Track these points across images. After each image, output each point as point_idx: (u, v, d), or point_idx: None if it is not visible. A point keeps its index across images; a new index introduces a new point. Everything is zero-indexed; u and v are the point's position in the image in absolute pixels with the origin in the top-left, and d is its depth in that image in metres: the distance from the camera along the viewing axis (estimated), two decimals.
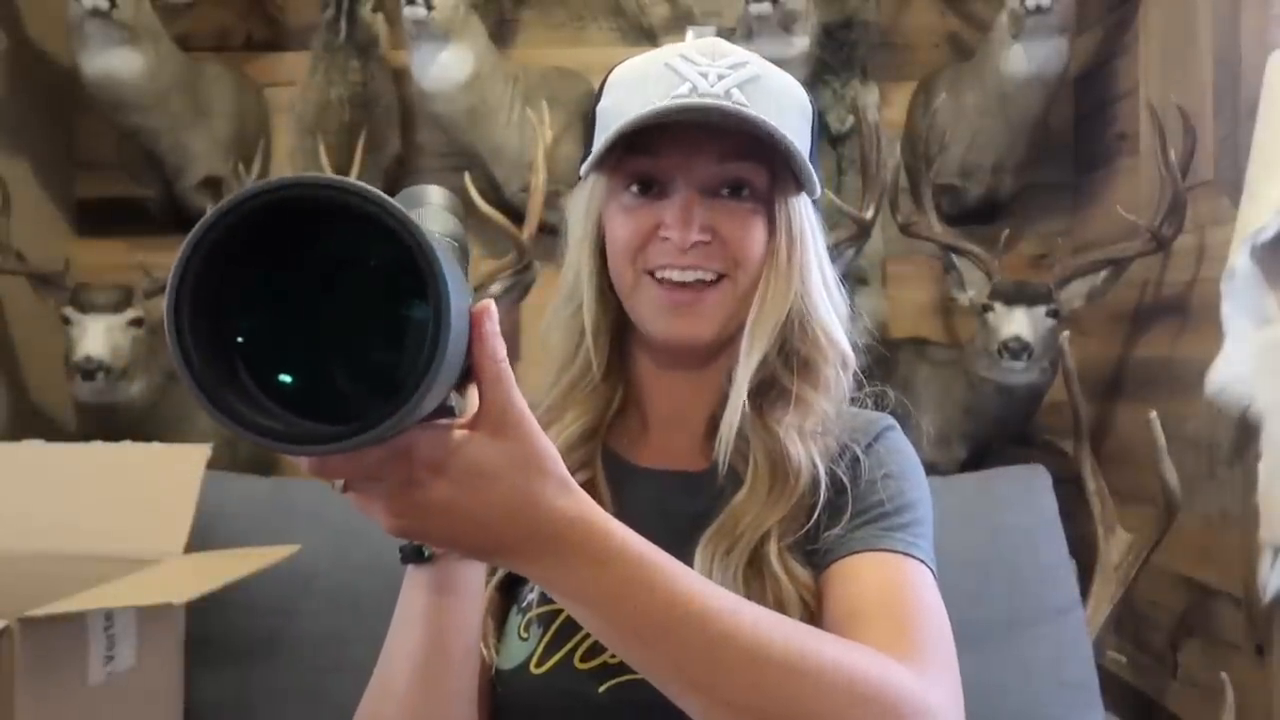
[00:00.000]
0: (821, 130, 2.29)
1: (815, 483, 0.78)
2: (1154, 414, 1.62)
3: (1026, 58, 2.00)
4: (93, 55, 2.04)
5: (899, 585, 0.72)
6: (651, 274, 0.79)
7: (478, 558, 0.63)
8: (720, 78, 0.77)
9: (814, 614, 0.74)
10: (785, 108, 0.79)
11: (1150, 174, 1.92)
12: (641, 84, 0.78)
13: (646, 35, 2.45)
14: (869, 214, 1.95)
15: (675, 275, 0.78)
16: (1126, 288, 1.98)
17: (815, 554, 0.77)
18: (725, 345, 0.82)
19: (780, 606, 0.73)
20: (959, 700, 0.66)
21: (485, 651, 0.77)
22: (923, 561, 0.75)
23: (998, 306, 1.92)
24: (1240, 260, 1.47)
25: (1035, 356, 1.90)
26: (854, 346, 0.85)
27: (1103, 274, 1.94)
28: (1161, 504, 1.63)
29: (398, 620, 0.70)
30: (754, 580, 0.75)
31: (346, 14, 2.21)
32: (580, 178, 0.84)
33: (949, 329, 2.36)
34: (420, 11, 2.00)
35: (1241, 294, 1.48)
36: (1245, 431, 1.54)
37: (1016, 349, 1.88)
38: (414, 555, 0.66)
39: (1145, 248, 1.86)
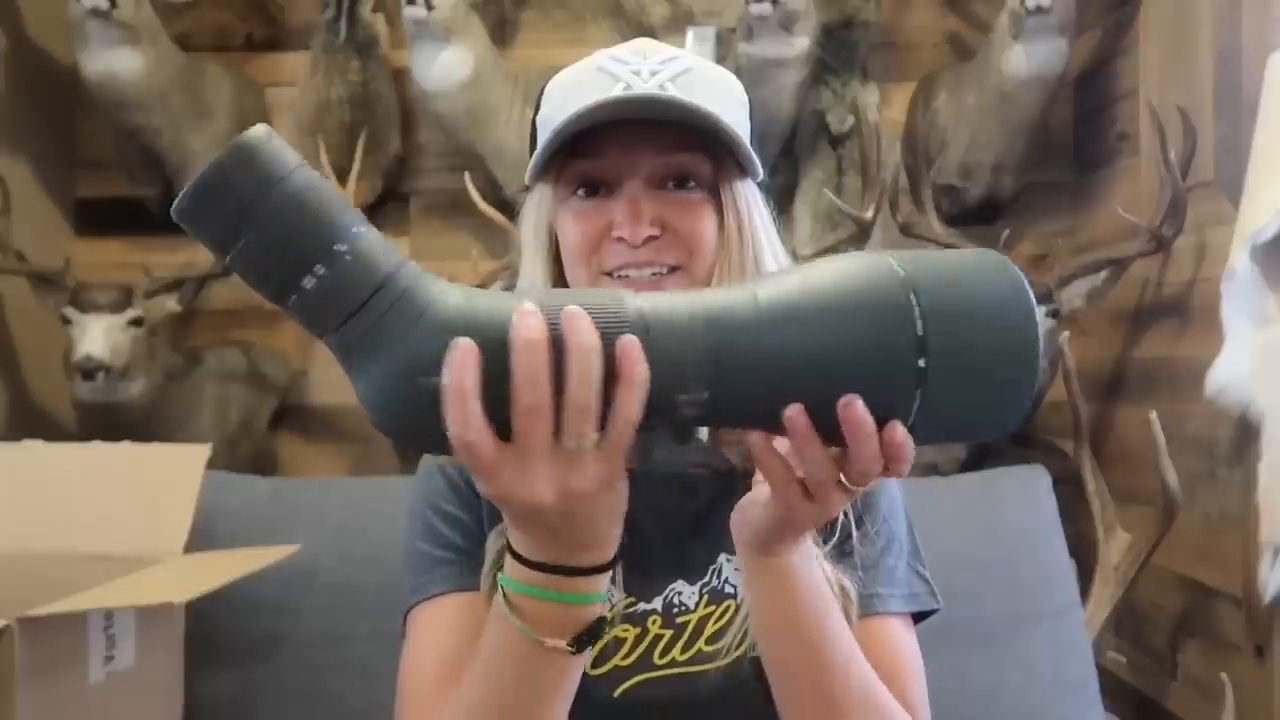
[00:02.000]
0: (821, 130, 2.32)
1: None
2: (1154, 414, 1.62)
3: (1026, 58, 2.01)
4: (93, 55, 2.04)
5: (895, 650, 0.79)
6: (610, 275, 0.79)
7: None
8: (653, 73, 0.77)
9: (851, 624, 0.76)
10: (721, 97, 0.79)
11: (1150, 174, 1.92)
12: (576, 90, 0.78)
13: (646, 35, 2.44)
14: (869, 214, 1.95)
15: (633, 274, 0.78)
16: (1126, 288, 1.98)
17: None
18: None
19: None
20: None
21: None
22: (916, 610, 0.82)
23: None
24: (1240, 260, 1.47)
25: None
26: None
27: (1103, 274, 1.94)
28: (1161, 504, 1.63)
29: (525, 696, 0.65)
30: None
31: (346, 14, 2.21)
32: (528, 188, 0.84)
33: None
34: (420, 11, 2.00)
35: (1241, 294, 1.48)
36: (1245, 431, 1.54)
37: None
38: (597, 631, 0.62)
39: (1145, 248, 1.86)
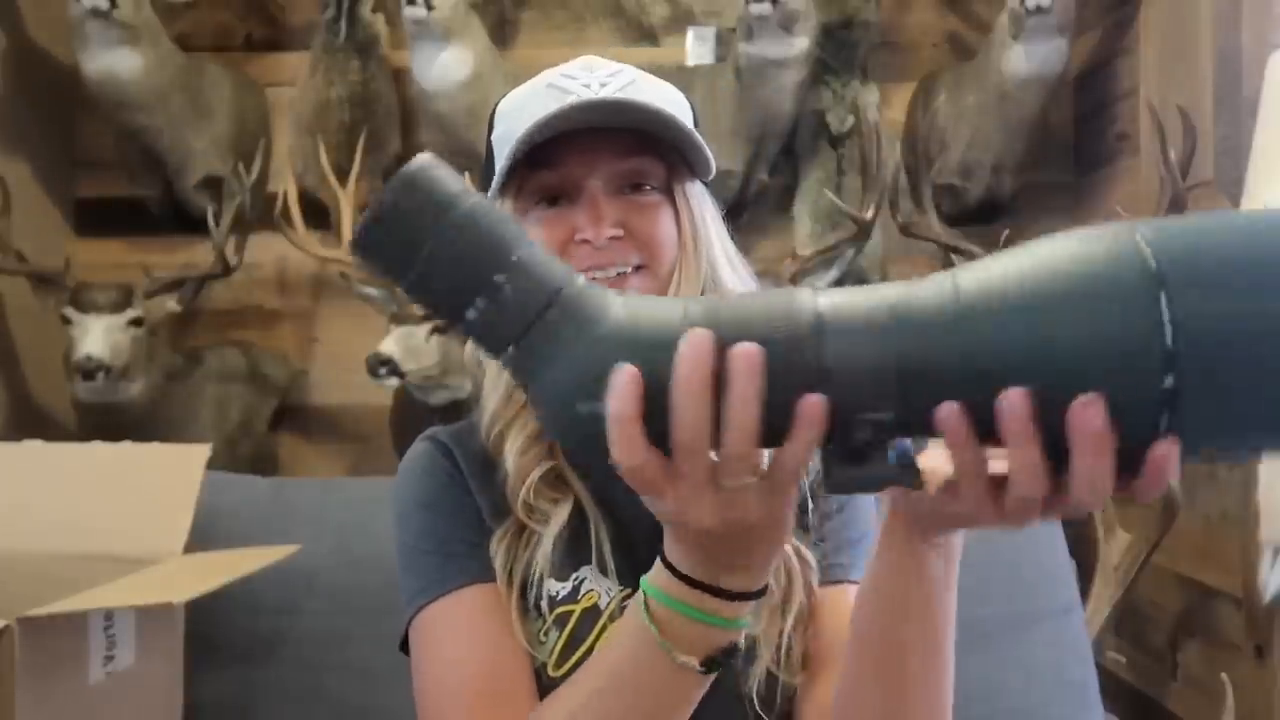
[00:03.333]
0: (821, 130, 2.32)
1: None
2: None
3: (1026, 58, 2.01)
4: (93, 55, 2.04)
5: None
6: None
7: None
8: (603, 85, 0.80)
9: (811, 591, 0.79)
10: (666, 103, 0.82)
11: (1150, 174, 1.92)
12: (529, 106, 0.80)
13: (646, 35, 2.45)
14: (869, 214, 1.95)
15: (599, 274, 0.80)
16: None
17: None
18: None
19: (789, 579, 0.78)
20: None
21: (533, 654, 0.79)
22: None
23: None
24: None
25: None
26: None
27: None
28: (1161, 504, 1.63)
29: (645, 708, 0.66)
30: None
31: (346, 14, 2.22)
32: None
33: None
34: (420, 11, 2.00)
35: None
36: None
37: None
38: (728, 657, 0.63)
39: None
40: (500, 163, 0.82)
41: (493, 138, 0.85)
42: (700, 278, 0.82)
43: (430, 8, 2.00)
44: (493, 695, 0.75)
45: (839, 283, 2.14)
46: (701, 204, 0.83)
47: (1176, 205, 1.77)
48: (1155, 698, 1.88)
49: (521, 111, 0.80)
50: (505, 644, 0.77)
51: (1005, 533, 1.60)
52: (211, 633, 1.43)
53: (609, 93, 0.79)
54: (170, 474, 1.44)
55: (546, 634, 0.79)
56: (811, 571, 0.79)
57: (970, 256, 1.99)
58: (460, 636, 0.78)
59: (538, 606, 0.80)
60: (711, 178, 0.85)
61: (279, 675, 1.47)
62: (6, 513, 1.38)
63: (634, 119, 0.78)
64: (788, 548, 0.78)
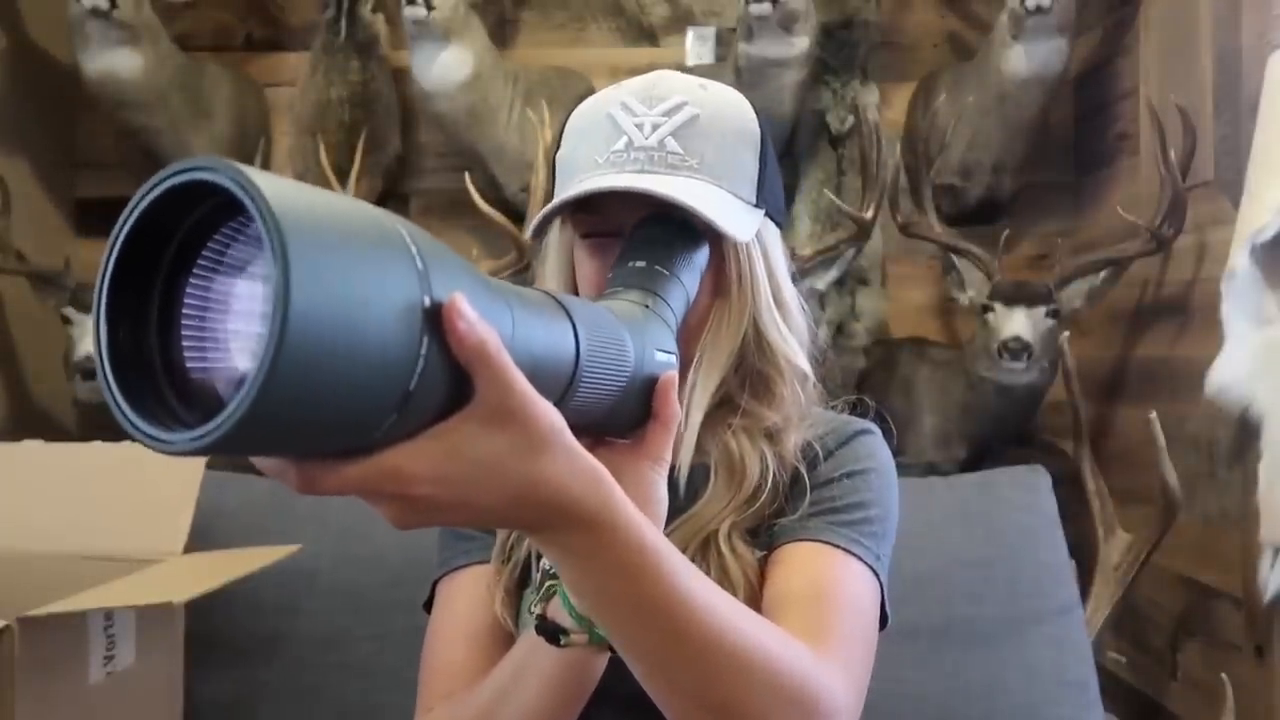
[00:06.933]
0: (821, 130, 2.32)
1: (773, 482, 0.83)
2: (1154, 414, 1.62)
3: (1026, 58, 2.01)
4: (93, 55, 2.04)
5: (828, 578, 0.77)
6: None
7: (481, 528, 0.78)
8: (655, 127, 0.80)
9: (757, 592, 0.79)
10: (725, 144, 0.82)
11: (1150, 174, 1.92)
12: (588, 135, 0.83)
13: (646, 35, 2.45)
14: (869, 214, 1.95)
15: None
16: (1126, 288, 1.98)
17: (772, 536, 0.82)
18: (683, 369, 0.83)
19: (725, 581, 0.79)
20: (858, 697, 0.72)
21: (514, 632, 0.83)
22: (861, 559, 0.79)
23: (998, 307, 1.92)
24: (1240, 260, 1.47)
25: (1035, 356, 1.90)
26: (818, 358, 0.90)
27: (1103, 274, 1.94)
28: (1161, 504, 1.63)
29: (521, 675, 0.74)
30: (701, 558, 0.81)
31: (346, 14, 2.22)
32: (533, 237, 0.90)
33: (949, 329, 2.36)
34: (420, 11, 2.00)
35: (1241, 294, 1.48)
36: (1245, 431, 1.54)
37: (1016, 349, 1.88)
38: (553, 638, 0.69)
39: (1145, 248, 1.86)
40: (558, 187, 0.85)
41: (557, 156, 0.87)
42: (742, 324, 0.84)
43: (430, 8, 2.00)
44: (446, 665, 0.84)
45: (839, 283, 2.14)
46: (751, 249, 0.83)
47: (1176, 205, 1.78)
48: (1155, 698, 1.88)
49: (582, 139, 0.84)
50: (474, 624, 0.85)
51: (1005, 533, 1.61)
52: (211, 633, 1.43)
53: (659, 137, 0.80)
54: (170, 474, 1.44)
55: (534, 608, 0.80)
56: (751, 568, 0.80)
57: (970, 256, 1.99)
58: (445, 612, 0.88)
59: (536, 579, 0.82)
60: (741, 235, 0.84)
61: (279, 675, 1.47)
62: (6, 513, 1.38)
63: (652, 192, 0.78)
64: (724, 549, 0.80)
